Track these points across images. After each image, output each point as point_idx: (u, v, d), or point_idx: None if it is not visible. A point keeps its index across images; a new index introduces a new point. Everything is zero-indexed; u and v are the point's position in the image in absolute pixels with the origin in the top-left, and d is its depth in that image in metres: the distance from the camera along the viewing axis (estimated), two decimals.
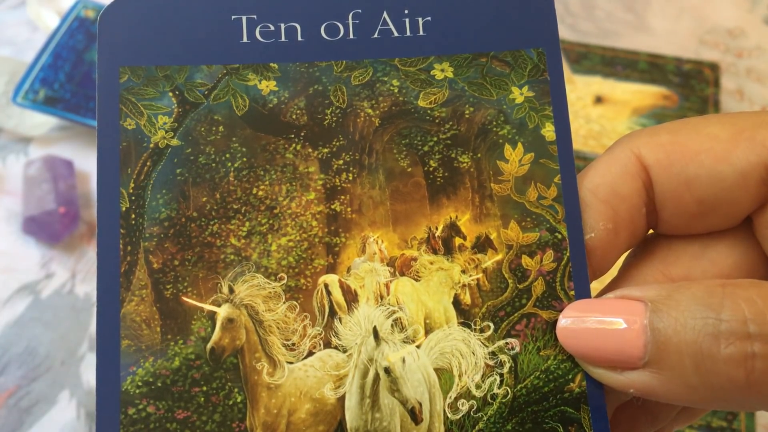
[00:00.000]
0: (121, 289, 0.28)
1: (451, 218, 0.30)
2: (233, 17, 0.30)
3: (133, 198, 0.29)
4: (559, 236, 0.29)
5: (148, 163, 0.29)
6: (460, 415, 0.28)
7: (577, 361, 0.28)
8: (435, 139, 0.30)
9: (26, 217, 0.60)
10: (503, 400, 0.28)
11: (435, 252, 0.29)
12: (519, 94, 0.30)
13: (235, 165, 0.30)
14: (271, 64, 0.30)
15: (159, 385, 0.28)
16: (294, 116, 0.30)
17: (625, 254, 0.31)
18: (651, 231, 0.31)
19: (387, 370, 0.28)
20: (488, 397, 0.28)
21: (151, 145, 0.29)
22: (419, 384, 0.28)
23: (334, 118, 0.30)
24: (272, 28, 0.30)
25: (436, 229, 0.30)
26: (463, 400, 0.28)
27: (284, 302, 0.29)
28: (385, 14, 0.31)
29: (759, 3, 0.79)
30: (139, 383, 0.27)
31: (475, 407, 0.28)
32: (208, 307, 0.28)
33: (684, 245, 0.30)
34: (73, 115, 0.64)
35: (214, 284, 0.29)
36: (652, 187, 0.28)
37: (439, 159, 0.30)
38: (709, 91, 0.71)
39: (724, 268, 0.29)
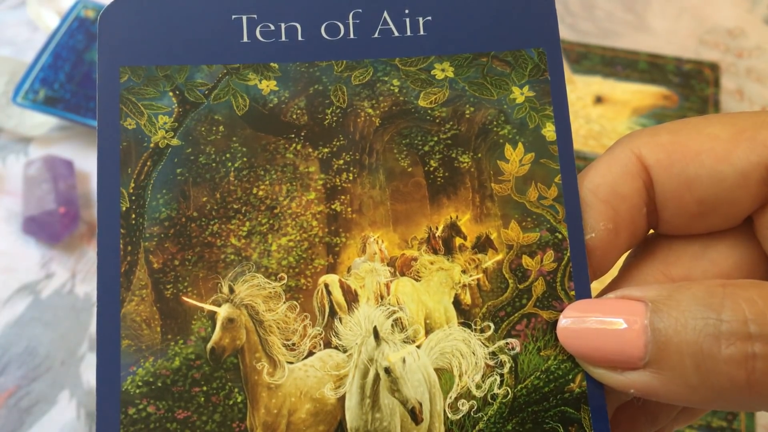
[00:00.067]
0: (122, 289, 0.28)
1: (451, 218, 0.30)
2: (233, 17, 0.30)
3: (134, 198, 0.29)
4: (560, 236, 0.29)
5: (149, 163, 0.29)
6: (461, 415, 0.28)
7: (577, 361, 0.28)
8: (435, 139, 0.30)
9: (26, 217, 0.60)
10: (503, 401, 0.28)
11: (435, 252, 0.29)
12: (519, 94, 0.30)
13: (236, 165, 0.30)
14: (272, 64, 0.30)
15: (159, 385, 0.28)
16: (294, 116, 0.30)
17: (626, 254, 0.31)
18: (651, 231, 0.31)
19: (387, 370, 0.28)
20: (488, 397, 0.28)
21: (152, 145, 0.29)
22: (419, 384, 0.28)
23: (335, 118, 0.30)
24: (272, 27, 0.30)
25: (437, 229, 0.30)
26: (463, 400, 0.28)
27: (284, 302, 0.29)
28: (385, 14, 0.31)
29: (759, 3, 0.79)
30: (140, 383, 0.27)
31: (475, 407, 0.28)
32: (208, 307, 0.28)
33: (684, 245, 0.30)
34: (73, 115, 0.64)
35: (215, 284, 0.29)
36: (653, 187, 0.28)
37: (440, 159, 0.30)
38: (709, 91, 0.71)
39: (724, 269, 0.29)
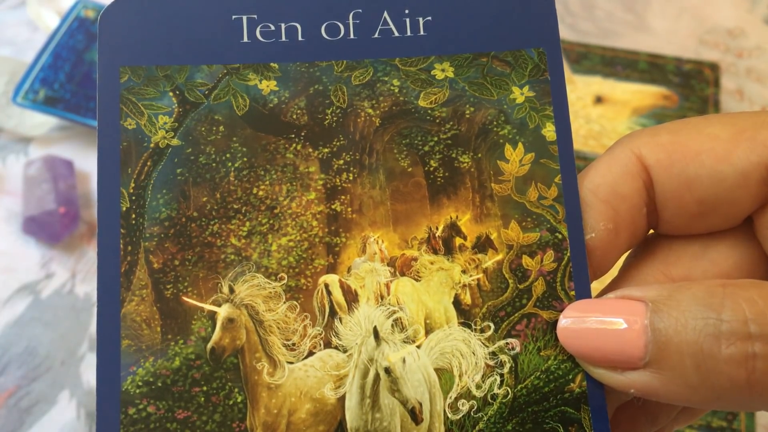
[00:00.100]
0: (122, 289, 0.28)
1: (451, 218, 0.30)
2: (234, 17, 0.30)
3: (134, 198, 0.29)
4: (560, 236, 0.29)
5: (149, 163, 0.29)
6: (461, 415, 0.28)
7: (577, 361, 0.28)
8: (435, 139, 0.30)
9: (26, 217, 0.60)
10: (503, 401, 0.28)
11: (435, 252, 0.29)
12: (519, 94, 0.30)
13: (236, 165, 0.30)
14: (272, 64, 0.30)
15: (159, 385, 0.28)
16: (294, 116, 0.30)
17: (626, 254, 0.31)
18: (651, 231, 0.31)
19: (387, 370, 0.28)
20: (488, 397, 0.28)
21: (152, 145, 0.29)
22: (419, 384, 0.28)
23: (335, 118, 0.30)
24: (273, 27, 0.30)
25: (437, 229, 0.30)
26: (463, 400, 0.28)
27: (284, 302, 0.29)
28: (385, 14, 0.31)
29: (759, 3, 0.79)
30: (140, 383, 0.27)
31: (475, 407, 0.28)
32: (208, 307, 0.28)
33: (684, 245, 0.30)
34: (73, 115, 0.64)
35: (215, 284, 0.29)
36: (653, 187, 0.28)
37: (440, 159, 0.30)
38: (709, 91, 0.71)
39: (724, 268, 0.29)
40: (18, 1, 0.75)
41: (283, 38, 0.30)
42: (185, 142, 0.30)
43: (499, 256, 0.29)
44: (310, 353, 0.28)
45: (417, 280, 0.29)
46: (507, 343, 0.29)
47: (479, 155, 0.30)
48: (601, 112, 0.69)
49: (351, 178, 0.30)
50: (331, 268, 0.29)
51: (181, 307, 0.28)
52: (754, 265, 0.29)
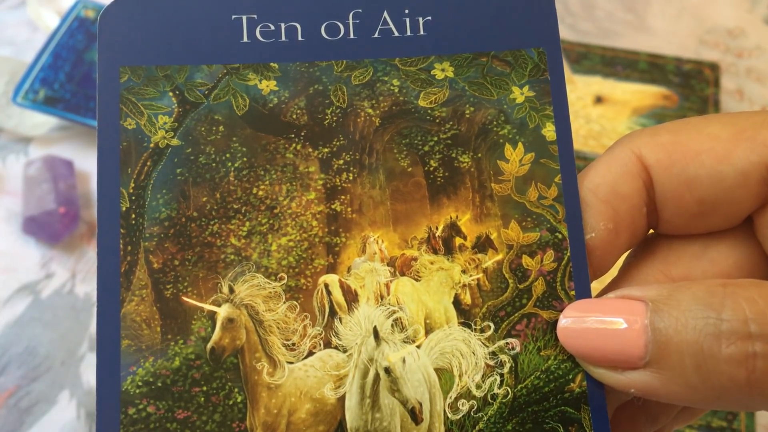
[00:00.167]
0: (122, 289, 0.28)
1: (451, 218, 0.30)
2: (233, 17, 0.30)
3: (134, 198, 0.29)
4: (560, 236, 0.29)
5: (149, 163, 0.29)
6: (461, 415, 0.28)
7: (577, 361, 0.28)
8: (435, 138, 0.30)
9: (26, 217, 0.60)
10: (503, 400, 0.28)
11: (435, 252, 0.29)
12: (519, 94, 0.30)
13: (236, 165, 0.30)
14: (272, 64, 0.30)
15: (159, 385, 0.27)
16: (294, 116, 0.30)
17: (626, 254, 0.31)
18: (651, 231, 0.31)
19: (387, 370, 0.28)
20: (488, 397, 0.28)
21: (152, 145, 0.29)
22: (419, 384, 0.28)
23: (335, 118, 0.30)
24: (272, 27, 0.30)
25: (437, 228, 0.30)
26: (463, 400, 0.28)
27: (284, 302, 0.29)
28: (385, 14, 0.31)
29: (759, 3, 0.79)
30: (139, 383, 0.27)
31: (475, 407, 0.28)
32: (208, 307, 0.28)
33: (684, 245, 0.30)
34: (73, 115, 0.64)
35: (215, 284, 0.29)
36: (653, 186, 0.28)
37: (440, 159, 0.30)
38: (709, 91, 0.71)
39: (724, 268, 0.29)
40: (18, 1, 0.75)
41: (283, 38, 0.30)
42: (185, 142, 0.30)
43: (499, 256, 0.29)
44: (310, 353, 0.28)
45: (417, 280, 0.29)
46: (507, 343, 0.29)
47: (479, 155, 0.30)
48: (601, 112, 0.69)
49: (351, 178, 0.30)
50: (331, 268, 0.29)
51: (181, 307, 0.28)
52: (754, 264, 0.29)
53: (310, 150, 0.30)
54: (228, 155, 0.30)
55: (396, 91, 0.30)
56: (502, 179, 0.30)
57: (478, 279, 0.29)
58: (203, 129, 0.30)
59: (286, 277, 0.29)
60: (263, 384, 0.28)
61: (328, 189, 0.30)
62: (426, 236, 0.30)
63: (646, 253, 0.30)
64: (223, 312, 0.28)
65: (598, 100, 0.70)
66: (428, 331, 0.29)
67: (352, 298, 0.29)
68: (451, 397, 0.28)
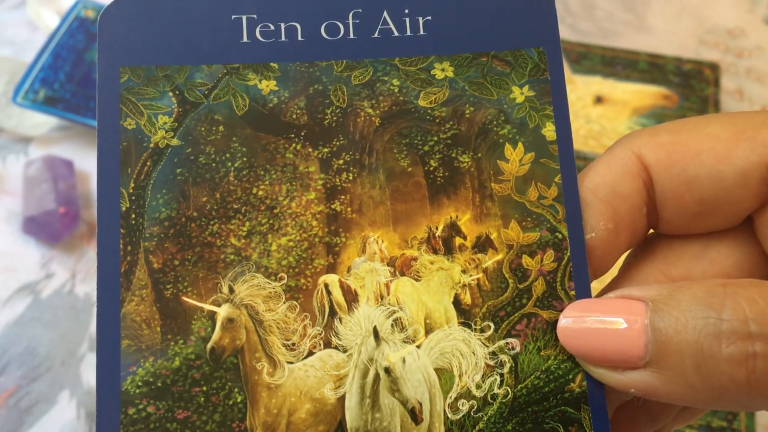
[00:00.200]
0: (121, 289, 0.28)
1: (451, 218, 0.30)
2: (233, 17, 0.30)
3: (133, 198, 0.29)
4: (560, 236, 0.29)
5: (148, 163, 0.29)
6: (461, 415, 0.28)
7: (577, 361, 0.28)
8: (435, 138, 0.30)
9: (26, 217, 0.60)
10: (503, 400, 0.28)
11: (435, 252, 0.29)
12: (519, 94, 0.30)
13: (236, 165, 0.30)
14: (272, 64, 0.30)
15: (159, 385, 0.27)
16: (294, 116, 0.30)
17: (626, 254, 0.31)
18: (651, 231, 0.31)
19: (387, 370, 0.28)
20: (488, 397, 0.28)
21: (151, 145, 0.29)
22: (419, 384, 0.28)
23: (335, 118, 0.30)
24: (272, 27, 0.30)
25: (437, 228, 0.30)
26: (463, 400, 0.28)
27: (284, 302, 0.29)
28: (385, 14, 0.31)
29: (759, 3, 0.79)
30: (139, 383, 0.27)
31: (475, 407, 0.28)
32: (208, 307, 0.28)
33: (685, 245, 0.30)
34: (73, 115, 0.64)
35: (214, 284, 0.29)
36: (653, 186, 0.28)
37: (440, 159, 0.30)
38: (709, 91, 0.71)
39: (724, 268, 0.29)
40: (18, 1, 0.75)
41: (283, 38, 0.30)
42: (185, 142, 0.30)
43: (499, 256, 0.29)
44: (310, 353, 0.28)
45: (417, 280, 0.29)
46: (507, 343, 0.29)
47: (479, 155, 0.30)
48: (601, 112, 0.69)
49: (351, 177, 0.30)
50: (331, 268, 0.29)
51: (180, 307, 0.28)
52: (754, 264, 0.29)
53: (310, 150, 0.30)
54: (228, 155, 0.30)
55: (396, 90, 0.30)
56: (502, 179, 0.30)
57: (478, 279, 0.29)
58: (203, 129, 0.30)
59: (286, 277, 0.29)
60: (263, 384, 0.28)
61: (328, 189, 0.30)
62: (426, 236, 0.29)
63: (646, 253, 0.30)
64: (223, 312, 0.28)
65: (598, 100, 0.70)
66: (428, 331, 0.29)
67: (352, 298, 0.29)
68: (451, 397, 0.28)
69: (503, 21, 0.31)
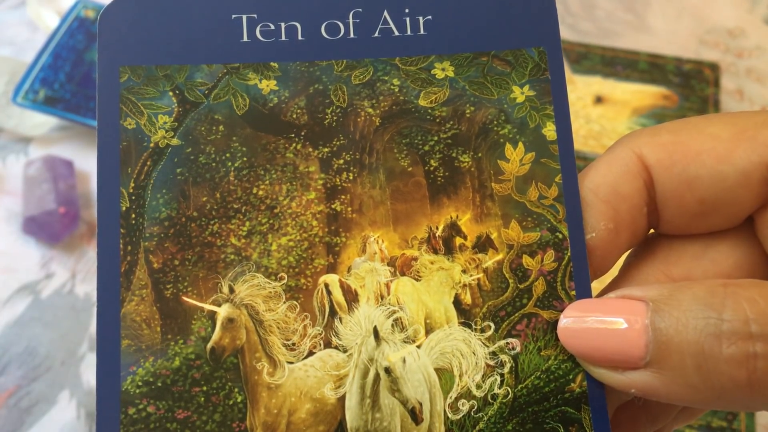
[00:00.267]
0: (122, 288, 0.28)
1: (451, 218, 0.30)
2: (233, 16, 0.30)
3: (133, 198, 0.29)
4: (560, 236, 0.29)
5: (149, 163, 0.29)
6: (461, 415, 0.28)
7: (578, 361, 0.28)
8: (435, 138, 0.30)
9: (26, 217, 0.60)
10: (504, 400, 0.28)
11: (435, 252, 0.29)
12: (520, 94, 0.30)
13: (236, 164, 0.30)
14: (272, 64, 0.30)
15: (159, 384, 0.27)
16: (294, 115, 0.30)
17: (626, 254, 0.31)
18: (652, 231, 0.30)
19: (387, 370, 0.28)
20: (489, 397, 0.28)
21: (152, 145, 0.29)
22: (420, 384, 0.28)
23: (335, 118, 0.30)
24: (272, 27, 0.30)
25: (437, 228, 0.30)
26: (463, 400, 0.28)
27: (284, 302, 0.29)
28: (385, 13, 0.31)
29: (759, 3, 0.79)
30: (139, 383, 0.27)
31: (475, 407, 0.28)
32: (208, 306, 0.28)
33: (685, 245, 0.30)
34: (73, 115, 0.64)
35: (215, 284, 0.28)
36: (654, 186, 0.28)
37: (440, 158, 0.30)
38: (709, 91, 0.71)
39: (725, 268, 0.29)
40: (18, 1, 0.75)
41: (283, 38, 0.30)
42: (185, 141, 0.30)
43: (500, 256, 0.29)
44: (310, 353, 0.28)
45: (417, 280, 0.29)
46: (507, 343, 0.29)
47: (479, 155, 0.30)
48: (601, 112, 0.69)
49: (351, 177, 0.30)
50: (331, 268, 0.29)
51: (181, 307, 0.28)
52: (755, 264, 0.29)
53: (310, 150, 0.30)
54: (228, 155, 0.30)
55: (396, 90, 0.30)
56: (503, 179, 0.30)
57: (478, 279, 0.29)
58: (203, 129, 0.30)
59: (286, 276, 0.29)
60: (263, 384, 0.28)
61: (328, 189, 0.30)
62: (426, 236, 0.29)
63: (647, 253, 0.30)
64: (223, 312, 0.28)
65: (598, 100, 0.70)
66: (428, 331, 0.29)
67: (352, 297, 0.29)
68: (451, 397, 0.28)
69: (504, 21, 0.31)
